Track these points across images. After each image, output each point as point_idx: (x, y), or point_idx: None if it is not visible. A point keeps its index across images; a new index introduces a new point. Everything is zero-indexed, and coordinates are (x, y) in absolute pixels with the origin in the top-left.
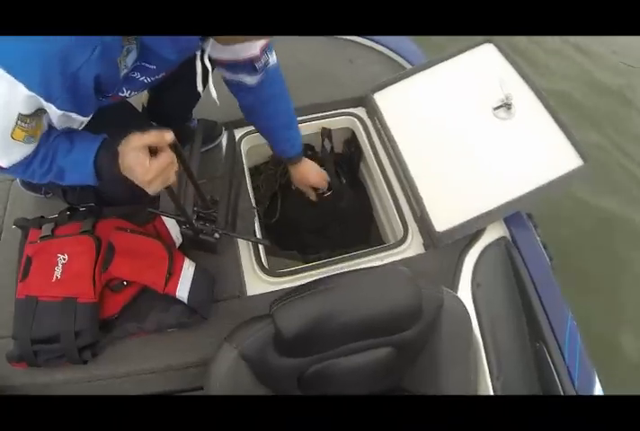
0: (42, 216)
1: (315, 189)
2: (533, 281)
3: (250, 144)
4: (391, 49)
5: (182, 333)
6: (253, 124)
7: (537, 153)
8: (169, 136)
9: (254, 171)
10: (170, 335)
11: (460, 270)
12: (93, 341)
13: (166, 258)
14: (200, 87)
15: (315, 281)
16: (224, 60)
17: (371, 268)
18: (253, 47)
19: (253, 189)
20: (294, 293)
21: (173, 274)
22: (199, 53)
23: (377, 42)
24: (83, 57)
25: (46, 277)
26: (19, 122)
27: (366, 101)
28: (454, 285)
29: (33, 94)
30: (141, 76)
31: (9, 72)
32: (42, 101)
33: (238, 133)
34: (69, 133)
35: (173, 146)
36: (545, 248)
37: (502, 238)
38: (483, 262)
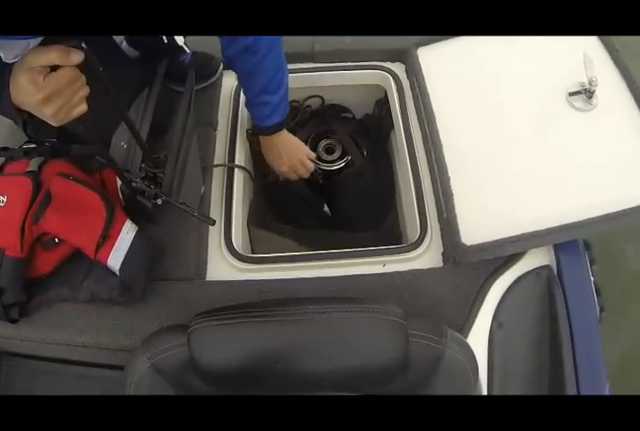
0: (6, 148)
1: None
2: (572, 334)
3: None
4: None
5: (119, 310)
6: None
7: (617, 167)
8: (76, 55)
9: None
10: (106, 309)
11: (482, 301)
12: (16, 301)
13: (104, 218)
14: None
15: (264, 303)
16: None
17: (354, 302)
18: None
19: (250, 144)
20: (229, 312)
21: (107, 238)
22: None
23: None
24: None
25: None
26: None
27: (406, 56)
28: (468, 320)
29: None
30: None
31: None
32: None
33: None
34: None
35: (84, 67)
36: (597, 293)
37: (545, 267)
38: (513, 295)
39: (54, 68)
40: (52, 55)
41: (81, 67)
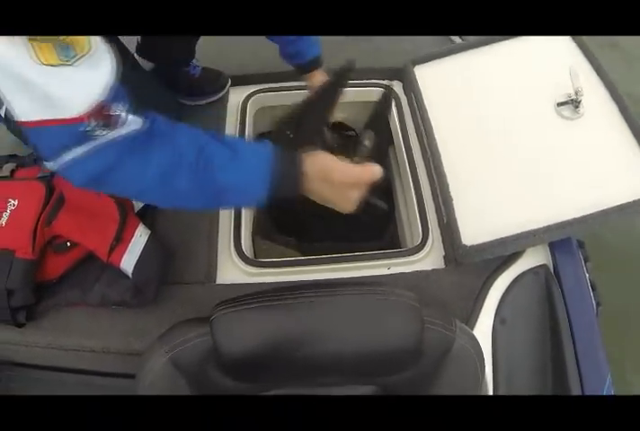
0: (14, 155)
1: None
2: (572, 329)
3: (259, 104)
4: None
5: (130, 314)
6: None
7: (606, 167)
8: (378, 171)
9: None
10: (117, 313)
11: (484, 299)
12: (25, 304)
13: (117, 221)
14: None
15: (282, 289)
16: None
17: (367, 285)
18: None
19: None
20: (250, 298)
21: (120, 241)
22: None
23: None
24: None
25: None
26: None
27: (404, 74)
28: (472, 317)
29: None
30: None
31: None
32: None
33: (246, 90)
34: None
35: None
36: (593, 289)
37: (543, 266)
38: (513, 293)
39: None
40: (363, 174)
41: None
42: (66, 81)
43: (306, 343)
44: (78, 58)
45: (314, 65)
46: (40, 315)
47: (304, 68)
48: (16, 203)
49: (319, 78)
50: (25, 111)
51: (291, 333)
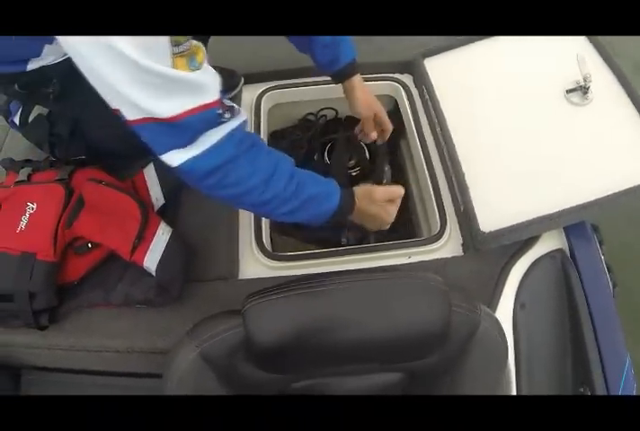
0: (29, 160)
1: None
2: (590, 311)
3: (273, 101)
4: None
5: (153, 312)
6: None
7: (615, 152)
8: (402, 190)
9: (277, 136)
10: (140, 312)
11: (503, 284)
12: (48, 306)
13: (138, 219)
14: None
15: (310, 276)
16: None
17: (393, 270)
18: None
19: None
20: (279, 288)
21: (143, 239)
22: None
23: None
24: None
25: (10, 226)
26: (174, 49)
27: (414, 67)
28: (492, 302)
29: None
30: None
31: None
32: None
33: (259, 88)
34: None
35: None
36: (609, 271)
37: (559, 251)
38: (531, 278)
39: None
40: (394, 193)
41: None
42: (200, 76)
43: (338, 328)
44: (200, 67)
45: (349, 71)
46: (63, 317)
47: (339, 76)
48: (35, 206)
49: (356, 85)
50: (168, 109)
51: (323, 319)
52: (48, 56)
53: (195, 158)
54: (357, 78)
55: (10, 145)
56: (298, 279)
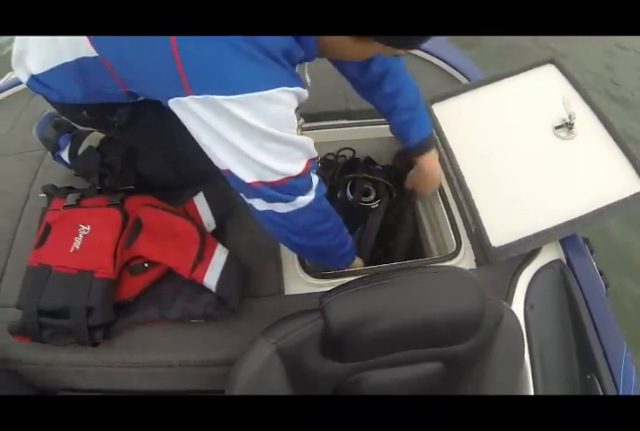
0: (71, 187)
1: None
2: (589, 308)
3: None
4: (449, 64)
5: (208, 327)
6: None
7: (598, 176)
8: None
9: None
10: (194, 327)
11: (514, 289)
12: (104, 321)
13: (197, 240)
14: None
15: (370, 276)
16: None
17: (433, 266)
18: None
19: None
20: (345, 287)
21: (202, 259)
22: None
23: (435, 56)
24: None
25: (63, 246)
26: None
27: None
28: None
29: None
30: None
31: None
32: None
33: None
34: None
35: None
36: (601, 274)
37: (557, 261)
38: (537, 283)
39: None
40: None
41: None
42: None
43: (387, 315)
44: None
45: (420, 148)
46: (115, 334)
47: (412, 150)
48: (89, 228)
49: (427, 161)
50: (272, 169)
51: (377, 306)
52: None
53: (294, 213)
54: (428, 156)
55: (44, 175)
56: (363, 277)
